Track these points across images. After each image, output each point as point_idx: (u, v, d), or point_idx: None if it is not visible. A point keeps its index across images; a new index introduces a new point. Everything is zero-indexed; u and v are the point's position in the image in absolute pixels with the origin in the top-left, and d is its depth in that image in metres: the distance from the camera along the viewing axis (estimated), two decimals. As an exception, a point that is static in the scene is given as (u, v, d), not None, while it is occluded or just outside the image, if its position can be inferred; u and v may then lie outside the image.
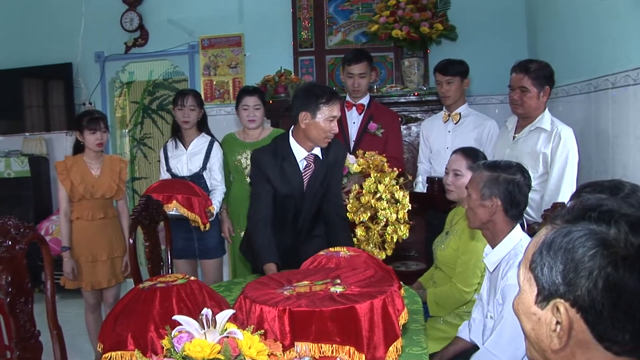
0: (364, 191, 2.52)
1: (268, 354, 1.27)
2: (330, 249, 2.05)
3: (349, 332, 1.43)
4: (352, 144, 3.25)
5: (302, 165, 2.41)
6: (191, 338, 1.19)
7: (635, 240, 0.73)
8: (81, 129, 2.98)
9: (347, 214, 2.55)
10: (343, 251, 2.00)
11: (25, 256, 1.79)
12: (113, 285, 3.08)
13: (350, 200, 2.58)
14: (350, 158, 2.77)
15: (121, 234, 3.13)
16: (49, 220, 4.66)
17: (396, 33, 3.78)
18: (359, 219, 2.52)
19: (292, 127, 2.40)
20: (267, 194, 2.38)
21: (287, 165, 2.38)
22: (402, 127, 3.68)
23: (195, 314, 1.35)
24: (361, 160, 2.73)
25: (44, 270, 1.89)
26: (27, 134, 5.03)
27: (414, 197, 2.72)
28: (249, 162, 3.13)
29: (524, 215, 2.05)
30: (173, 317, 1.26)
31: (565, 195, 2.40)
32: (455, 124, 3.13)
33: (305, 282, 1.66)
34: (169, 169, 3.20)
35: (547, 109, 2.60)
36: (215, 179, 3.17)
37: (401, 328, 1.54)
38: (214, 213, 3.02)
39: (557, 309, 0.77)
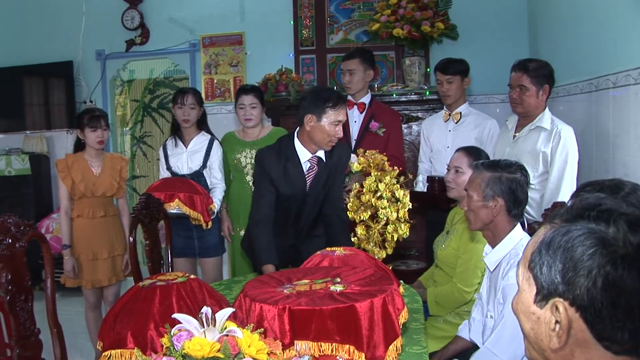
0: (364, 190, 2.52)
1: (268, 353, 1.27)
2: (327, 248, 2.05)
3: (348, 331, 1.43)
4: (353, 143, 3.25)
5: (305, 167, 2.41)
6: (191, 336, 1.19)
7: (634, 239, 0.73)
8: (82, 126, 2.98)
9: (348, 212, 2.55)
10: (339, 250, 1.99)
11: (25, 254, 1.79)
12: (113, 283, 3.08)
13: (351, 199, 2.58)
14: (351, 157, 2.77)
15: (122, 232, 3.13)
16: (49, 218, 4.66)
17: (397, 32, 3.78)
18: (360, 217, 2.52)
19: (298, 128, 2.41)
20: (269, 194, 2.38)
21: (290, 166, 2.38)
22: (403, 126, 3.68)
23: (195, 313, 1.36)
24: (362, 159, 2.73)
25: (44, 268, 1.89)
26: (27, 132, 5.03)
27: (415, 196, 2.73)
28: (248, 160, 3.14)
29: (524, 214, 2.05)
30: (173, 316, 1.25)
31: (565, 195, 2.40)
32: (456, 123, 3.13)
33: (305, 281, 1.65)
34: (168, 167, 3.20)
35: (547, 108, 2.60)
36: (215, 177, 3.17)
37: (401, 327, 1.53)
38: (215, 211, 3.03)
39: (556, 308, 0.77)
